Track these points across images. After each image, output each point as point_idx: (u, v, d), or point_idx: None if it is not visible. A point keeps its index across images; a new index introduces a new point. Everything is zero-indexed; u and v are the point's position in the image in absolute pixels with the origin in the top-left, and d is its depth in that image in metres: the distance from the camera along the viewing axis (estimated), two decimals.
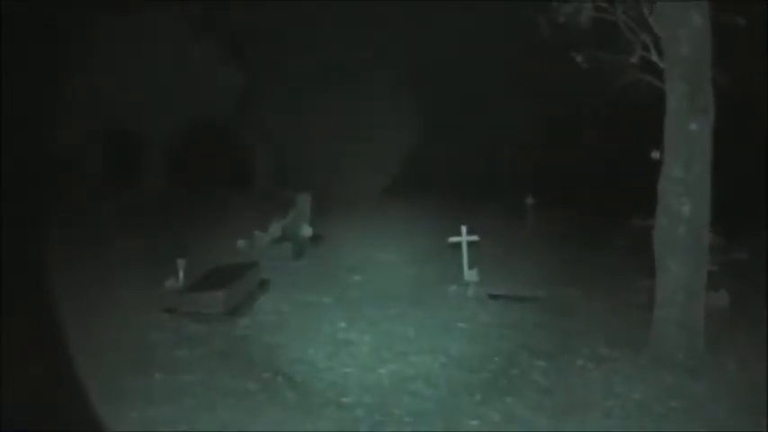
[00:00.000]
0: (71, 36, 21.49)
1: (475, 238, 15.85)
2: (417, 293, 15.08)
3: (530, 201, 24.71)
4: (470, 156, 26.94)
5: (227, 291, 12.57)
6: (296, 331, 12.22)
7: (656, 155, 11.72)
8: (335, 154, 25.69)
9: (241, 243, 18.06)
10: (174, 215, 20.58)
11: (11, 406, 7.13)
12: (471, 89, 26.47)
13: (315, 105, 25.61)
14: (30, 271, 11.78)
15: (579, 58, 13.01)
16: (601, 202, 24.28)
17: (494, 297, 15.07)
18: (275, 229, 18.79)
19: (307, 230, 18.88)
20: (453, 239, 15.88)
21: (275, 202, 22.24)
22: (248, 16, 24.14)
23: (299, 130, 25.92)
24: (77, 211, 20.03)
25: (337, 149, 25.74)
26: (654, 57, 12.05)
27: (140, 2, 22.64)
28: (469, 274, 15.62)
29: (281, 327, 12.45)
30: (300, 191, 19.89)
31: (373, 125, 26.10)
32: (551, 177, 26.18)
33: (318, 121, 25.73)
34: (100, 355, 10.37)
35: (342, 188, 23.46)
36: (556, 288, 15.92)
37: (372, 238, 19.81)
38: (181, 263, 13.72)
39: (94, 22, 22.00)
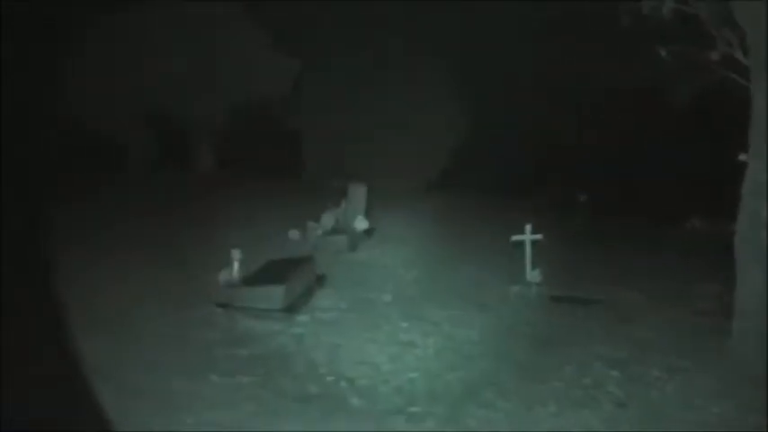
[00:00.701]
0: (122, 19, 21.23)
1: (539, 236, 15.22)
2: (478, 293, 14.53)
3: (582, 198, 24.05)
4: (511, 153, 26.29)
5: (287, 286, 12.01)
6: (356, 331, 11.71)
7: (743, 157, 11.11)
8: (381, 146, 25.10)
9: (293, 234, 17.52)
10: (223, 203, 20.09)
11: (11, 406, 6.83)
12: (511, 86, 25.86)
13: (364, 96, 25.07)
14: (34, 271, 11.41)
15: (663, 53, 12.36)
16: (646, 201, 23.78)
17: (556, 299, 14.58)
18: (328, 220, 18.26)
19: (362, 223, 18.32)
20: (517, 238, 15.28)
21: (325, 192, 21.84)
22: (302, 3, 23.63)
23: (347, 121, 25.37)
24: (123, 197, 19.60)
25: (383, 142, 25.16)
26: (738, 54, 11.42)
27: None
28: (532, 275, 15.04)
29: (341, 325, 11.91)
30: (354, 181, 19.27)
31: (420, 119, 25.48)
32: (590, 175, 25.51)
33: (366, 112, 25.17)
34: (150, 354, 9.91)
35: (387, 181, 22.82)
36: (618, 291, 15.38)
37: (425, 233, 19.19)
38: (235, 254, 13.15)
39: (144, 7, 21.66)
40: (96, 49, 21.29)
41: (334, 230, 17.95)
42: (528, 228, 15.26)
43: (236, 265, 13.04)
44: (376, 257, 16.71)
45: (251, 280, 12.59)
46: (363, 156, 24.37)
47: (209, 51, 22.44)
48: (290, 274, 12.68)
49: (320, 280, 14.02)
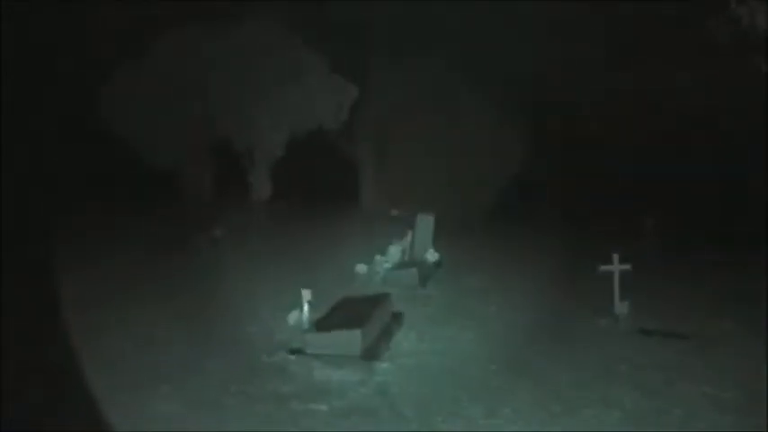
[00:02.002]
0: (181, 47, 20.80)
1: (627, 267, 14.17)
2: (564, 328, 13.55)
3: (649, 221, 22.98)
4: (569, 173, 25.38)
5: (365, 329, 11.05)
6: (443, 377, 10.74)
7: None
8: (439, 172, 24.34)
9: (361, 268, 16.67)
10: (284, 235, 19.32)
11: (11, 407, 6.77)
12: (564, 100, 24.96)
13: (421, 121, 24.29)
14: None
15: (765, 68, 11.43)
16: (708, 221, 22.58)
17: (646, 333, 13.55)
18: (395, 252, 17.43)
19: (432, 255, 17.43)
20: (605, 268, 14.21)
21: (386, 221, 21.06)
22: (361, 27, 22.94)
23: (404, 147, 24.59)
24: (185, 227, 18.98)
25: (441, 167, 24.41)
26: None
27: (252, 10, 21.57)
28: (620, 307, 13.99)
29: (426, 371, 10.94)
30: (421, 212, 18.38)
31: (478, 143, 24.65)
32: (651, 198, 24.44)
33: (422, 137, 24.38)
34: (221, 408, 9.10)
35: (448, 209, 21.86)
36: (710, 321, 14.36)
37: (494, 262, 18.36)
38: (306, 294, 12.25)
39: (203, 32, 21.21)
40: (152, 73, 20.87)
41: (402, 263, 17.04)
42: (615, 257, 14.20)
43: (306, 307, 12.13)
44: (449, 291, 15.83)
45: (324, 323, 11.64)
46: (423, 183, 23.50)
47: (266, 77, 21.67)
48: (366, 314, 11.73)
49: (397, 319, 13.04)
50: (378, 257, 17.02)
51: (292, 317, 12.34)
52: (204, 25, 21.66)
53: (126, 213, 19.93)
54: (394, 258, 17.30)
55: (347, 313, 11.99)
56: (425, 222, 18.08)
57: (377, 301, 12.84)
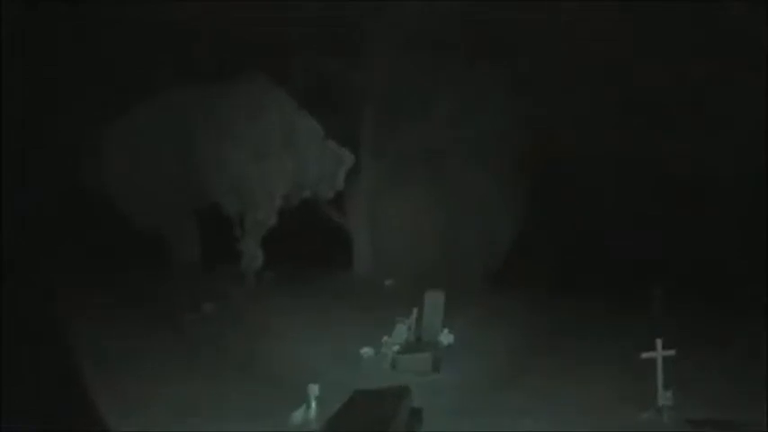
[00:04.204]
0: (171, 108, 19.62)
1: (671, 352, 12.64)
2: (605, 423, 11.99)
3: (657, 291, 21.29)
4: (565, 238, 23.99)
5: None
6: None
7: None
8: (436, 239, 22.96)
9: (367, 352, 15.27)
10: (277, 309, 17.76)
11: (11, 407, 6.68)
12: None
13: (416, 185, 22.97)
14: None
15: None
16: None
17: (695, 425, 12.13)
18: (401, 331, 15.89)
19: (447, 337, 15.95)
20: (647, 355, 12.74)
21: (382, 293, 19.76)
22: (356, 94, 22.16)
23: (398, 215, 23.22)
24: (173, 301, 18.04)
25: (438, 234, 23.08)
26: None
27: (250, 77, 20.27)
28: (664, 397, 12.47)
29: None
30: (430, 289, 16.92)
31: (478, 208, 23.31)
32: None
33: (416, 205, 23.03)
34: None
35: (442, 277, 20.40)
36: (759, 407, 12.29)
37: (513, 342, 16.64)
38: (313, 389, 10.70)
39: (195, 93, 19.86)
40: (142, 136, 19.59)
41: (412, 345, 15.79)
42: (659, 343, 12.76)
43: (313, 404, 10.52)
44: (470, 379, 14.35)
45: (338, 425, 9.97)
46: (416, 252, 22.01)
47: (259, 142, 20.26)
48: (385, 415, 10.10)
49: (417, 416, 11.41)
50: (385, 339, 15.58)
51: (297, 416, 10.75)
52: (197, 86, 20.29)
53: (111, 285, 18.21)
54: (400, 338, 15.78)
55: (363, 412, 10.34)
56: (434, 299, 16.66)
57: (395, 396, 11.22)
